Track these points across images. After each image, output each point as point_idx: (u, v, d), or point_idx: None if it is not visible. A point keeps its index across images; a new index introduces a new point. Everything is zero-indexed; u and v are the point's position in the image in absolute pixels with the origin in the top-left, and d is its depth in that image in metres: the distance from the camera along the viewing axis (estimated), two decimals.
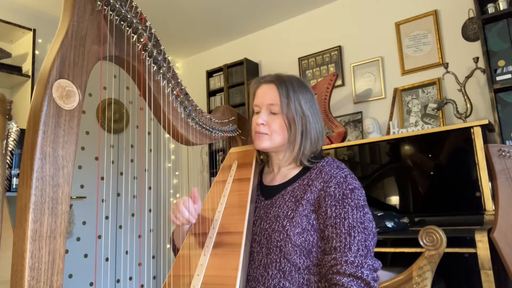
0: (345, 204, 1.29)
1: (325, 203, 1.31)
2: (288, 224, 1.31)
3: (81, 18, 0.97)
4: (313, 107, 1.45)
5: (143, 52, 1.18)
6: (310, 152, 1.43)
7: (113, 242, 4.34)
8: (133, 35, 1.13)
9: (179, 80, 1.33)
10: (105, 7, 1.03)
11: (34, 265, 0.84)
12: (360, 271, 1.19)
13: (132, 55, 1.14)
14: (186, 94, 1.37)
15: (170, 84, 1.30)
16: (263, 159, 1.60)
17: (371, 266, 1.22)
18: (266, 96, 1.44)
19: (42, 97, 0.88)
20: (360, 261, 1.21)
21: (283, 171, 1.49)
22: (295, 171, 1.46)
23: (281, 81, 1.43)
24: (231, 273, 1.22)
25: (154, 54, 1.20)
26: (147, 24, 1.15)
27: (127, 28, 1.12)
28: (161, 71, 1.26)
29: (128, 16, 1.10)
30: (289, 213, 1.34)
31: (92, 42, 0.98)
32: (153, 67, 1.23)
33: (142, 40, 1.15)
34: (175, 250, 1.55)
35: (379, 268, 1.24)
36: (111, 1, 1.03)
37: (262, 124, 1.43)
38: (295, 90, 1.42)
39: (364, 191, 1.36)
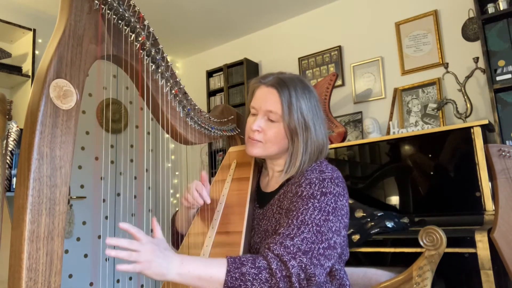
0: (308, 202, 1.21)
1: (292, 201, 1.27)
2: None
3: (78, 17, 0.96)
4: (317, 115, 1.35)
5: (141, 51, 1.17)
6: (309, 165, 1.35)
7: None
8: (131, 34, 1.13)
9: (177, 79, 1.32)
10: (102, 6, 1.03)
11: (32, 266, 0.84)
12: (288, 258, 1.10)
13: (130, 54, 1.13)
14: (185, 93, 1.36)
15: (168, 83, 1.29)
16: (259, 162, 1.57)
17: (303, 265, 1.10)
18: (265, 101, 1.34)
19: (39, 96, 0.88)
20: (294, 252, 1.11)
21: (276, 176, 1.45)
22: (284, 178, 1.40)
23: (283, 86, 1.32)
24: None
25: (152, 53, 1.20)
26: (145, 23, 1.15)
27: (125, 27, 1.11)
28: (160, 70, 1.25)
29: (126, 15, 1.09)
30: (276, 228, 1.31)
31: (89, 41, 0.98)
32: (151, 66, 1.22)
33: (140, 39, 1.14)
34: (174, 233, 1.55)
35: (315, 279, 1.11)
36: (109, 0, 1.03)
37: (257, 130, 1.35)
38: (298, 96, 1.31)
39: (343, 200, 1.27)
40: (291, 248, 1.12)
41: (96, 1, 1.00)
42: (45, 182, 0.87)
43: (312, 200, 1.22)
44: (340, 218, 1.23)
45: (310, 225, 1.17)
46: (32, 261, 0.84)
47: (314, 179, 1.27)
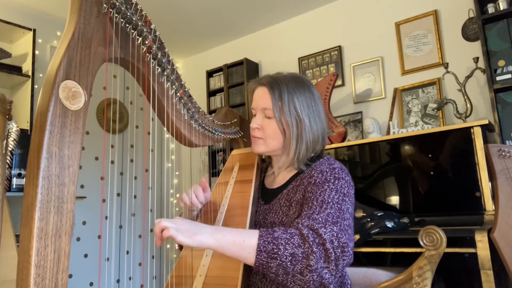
0: (324, 185, 1.26)
1: (306, 191, 1.30)
2: None
3: (87, 21, 0.98)
4: (312, 108, 1.40)
5: (147, 55, 1.19)
6: (307, 156, 1.39)
7: (114, 242, 4.34)
8: (138, 37, 1.14)
9: (182, 82, 1.33)
10: (110, 10, 1.04)
11: (40, 262, 0.85)
12: (318, 226, 1.11)
13: (137, 57, 1.15)
14: (190, 96, 1.38)
15: (174, 86, 1.31)
16: (265, 160, 1.60)
17: (334, 233, 1.11)
18: (259, 100, 1.41)
19: (49, 97, 0.89)
20: (324, 222, 1.13)
21: (282, 174, 1.48)
22: (292, 173, 1.44)
23: (274, 83, 1.39)
24: (233, 274, 1.23)
25: (159, 56, 1.21)
26: (152, 26, 1.16)
27: (132, 31, 1.13)
28: (165, 73, 1.27)
29: (133, 18, 1.11)
30: (283, 219, 1.33)
31: (98, 44, 1.00)
32: (158, 69, 1.24)
33: (147, 42, 1.16)
34: None
35: (348, 250, 1.12)
36: (117, 4, 1.05)
37: (257, 128, 1.42)
38: (290, 92, 1.37)
39: (353, 190, 1.31)
40: (320, 219, 1.14)
41: (105, 5, 1.02)
42: (53, 180, 0.88)
43: (327, 184, 1.26)
44: (351, 204, 1.27)
45: (331, 203, 1.20)
46: (40, 258, 0.85)
47: (325, 168, 1.33)
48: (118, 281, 4.31)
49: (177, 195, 5.04)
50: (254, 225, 1.42)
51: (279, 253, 1.06)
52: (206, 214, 1.48)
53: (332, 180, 1.27)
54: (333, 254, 1.08)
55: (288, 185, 1.42)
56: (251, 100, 1.49)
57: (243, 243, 1.08)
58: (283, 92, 1.37)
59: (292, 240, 1.08)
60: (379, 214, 2.68)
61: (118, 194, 4.48)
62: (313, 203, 1.22)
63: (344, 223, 1.17)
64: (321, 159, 1.41)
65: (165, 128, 1.35)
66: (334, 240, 1.10)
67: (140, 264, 4.60)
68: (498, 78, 2.88)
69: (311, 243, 1.07)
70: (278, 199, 1.40)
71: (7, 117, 2.19)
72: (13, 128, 2.27)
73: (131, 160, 4.64)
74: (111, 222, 4.38)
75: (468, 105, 3.03)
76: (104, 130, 4.52)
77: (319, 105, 1.43)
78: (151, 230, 4.72)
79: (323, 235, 1.09)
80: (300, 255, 1.06)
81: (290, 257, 1.06)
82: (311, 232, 1.10)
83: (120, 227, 4.43)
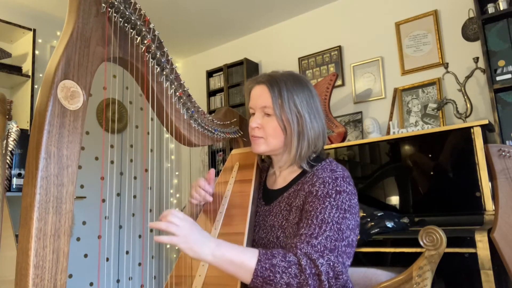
0: (325, 201, 1.24)
1: (307, 201, 1.28)
2: (281, 235, 1.31)
3: (86, 20, 0.98)
4: (311, 105, 1.39)
5: (146, 54, 1.18)
6: (308, 153, 1.38)
7: (114, 242, 4.34)
8: (136, 37, 1.14)
9: (181, 82, 1.33)
10: (109, 9, 1.04)
11: (39, 263, 0.85)
12: (316, 256, 1.12)
13: (135, 57, 1.15)
14: (189, 95, 1.37)
15: (173, 86, 1.30)
16: (265, 160, 1.59)
17: (331, 263, 1.12)
18: (258, 98, 1.40)
19: (47, 97, 0.89)
20: (322, 250, 1.14)
21: (284, 174, 1.47)
22: (294, 174, 1.43)
23: (273, 81, 1.38)
24: None
25: (158, 55, 1.21)
26: (151, 26, 1.16)
27: (131, 30, 1.13)
28: (164, 73, 1.26)
29: (132, 18, 1.11)
30: (283, 223, 1.33)
31: (96, 43, 0.99)
32: (156, 68, 1.24)
33: (145, 42, 1.16)
34: None
35: (343, 277, 1.14)
36: (116, 3, 1.04)
37: (257, 127, 1.40)
38: (289, 89, 1.36)
39: (355, 198, 1.30)
40: (318, 247, 1.14)
41: (103, 4, 1.02)
42: (52, 181, 0.88)
43: (328, 199, 1.24)
44: (354, 216, 1.26)
45: (331, 223, 1.19)
46: (39, 258, 0.85)
47: (327, 178, 1.30)
48: (118, 281, 4.31)
49: (177, 195, 5.04)
50: (253, 226, 1.42)
51: (275, 280, 1.09)
52: (206, 214, 1.48)
53: (334, 195, 1.25)
54: (327, 285, 1.10)
55: (289, 188, 1.40)
56: (248, 100, 1.47)
57: (241, 265, 1.10)
58: (282, 90, 1.36)
59: (290, 269, 1.10)
60: (379, 214, 2.68)
61: (117, 194, 4.47)
62: (313, 221, 1.21)
63: (342, 244, 1.17)
64: (322, 161, 1.40)
65: (164, 128, 1.35)
66: (329, 272, 1.11)
67: (139, 264, 4.60)
68: (498, 78, 2.87)
69: (307, 275, 1.09)
70: (279, 201, 1.40)
71: (7, 117, 2.19)
72: (13, 128, 2.27)
73: (131, 160, 4.64)
74: (110, 222, 4.37)
75: (468, 105, 3.03)
76: (103, 130, 4.52)
77: (317, 102, 1.42)
78: (151, 230, 4.72)
79: (319, 267, 1.10)
80: (295, 285, 1.09)
81: (285, 286, 1.09)
82: (308, 262, 1.11)
83: (120, 227, 4.43)
